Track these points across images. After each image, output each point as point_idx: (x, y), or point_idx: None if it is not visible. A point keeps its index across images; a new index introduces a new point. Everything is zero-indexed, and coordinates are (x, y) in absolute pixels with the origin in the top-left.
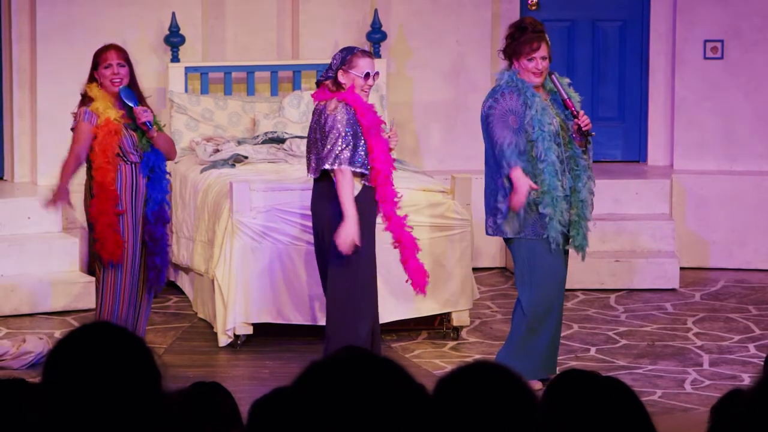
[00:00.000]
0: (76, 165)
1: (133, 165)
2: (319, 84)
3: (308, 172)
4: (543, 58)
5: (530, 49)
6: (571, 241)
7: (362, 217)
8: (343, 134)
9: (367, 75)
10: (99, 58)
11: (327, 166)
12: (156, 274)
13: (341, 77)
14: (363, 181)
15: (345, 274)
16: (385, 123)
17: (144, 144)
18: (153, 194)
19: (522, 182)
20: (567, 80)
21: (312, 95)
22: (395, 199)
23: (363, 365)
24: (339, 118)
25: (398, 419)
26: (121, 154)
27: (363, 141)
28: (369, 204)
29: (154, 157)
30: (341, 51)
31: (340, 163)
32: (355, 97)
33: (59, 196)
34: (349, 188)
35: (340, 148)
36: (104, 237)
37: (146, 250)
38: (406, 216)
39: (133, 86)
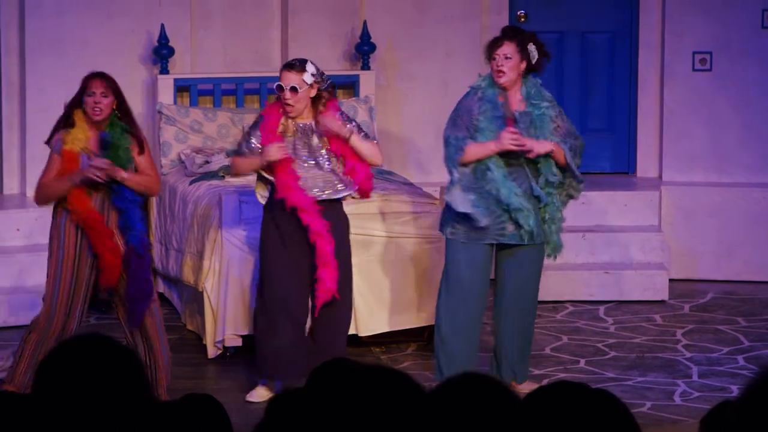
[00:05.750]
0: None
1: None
2: None
3: None
4: (506, 58)
5: (491, 47)
6: (526, 231)
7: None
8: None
9: (280, 87)
10: (84, 84)
11: None
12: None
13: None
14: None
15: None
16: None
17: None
18: (128, 237)
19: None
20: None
21: None
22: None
23: (386, 376)
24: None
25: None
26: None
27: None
28: (279, 208)
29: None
30: None
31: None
32: (268, 109)
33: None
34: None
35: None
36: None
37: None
38: (327, 226)
39: (123, 115)
